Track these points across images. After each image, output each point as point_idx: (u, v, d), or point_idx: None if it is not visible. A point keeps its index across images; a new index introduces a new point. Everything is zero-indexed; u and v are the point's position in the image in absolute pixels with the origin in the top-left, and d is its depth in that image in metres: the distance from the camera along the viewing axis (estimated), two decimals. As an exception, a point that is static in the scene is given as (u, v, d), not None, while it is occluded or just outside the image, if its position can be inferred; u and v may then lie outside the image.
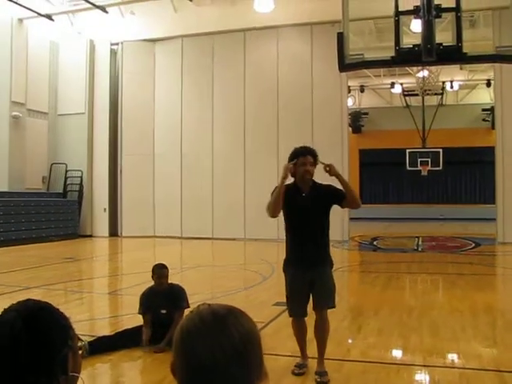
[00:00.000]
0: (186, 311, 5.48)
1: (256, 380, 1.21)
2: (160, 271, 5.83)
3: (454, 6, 5.32)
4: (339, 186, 4.86)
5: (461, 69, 23.78)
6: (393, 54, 5.40)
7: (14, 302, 1.38)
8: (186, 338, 1.21)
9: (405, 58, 5.51)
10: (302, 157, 4.86)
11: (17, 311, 1.34)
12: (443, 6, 5.32)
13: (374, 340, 6.00)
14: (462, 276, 10.98)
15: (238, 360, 1.18)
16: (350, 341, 6.13)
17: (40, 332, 1.31)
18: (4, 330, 1.30)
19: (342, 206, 4.99)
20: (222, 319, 1.22)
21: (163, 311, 5.70)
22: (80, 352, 5.03)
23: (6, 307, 1.36)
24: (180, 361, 1.21)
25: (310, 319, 4.96)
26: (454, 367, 5.16)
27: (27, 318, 1.32)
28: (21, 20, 18.37)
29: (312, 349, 4.99)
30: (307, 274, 4.80)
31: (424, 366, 5.10)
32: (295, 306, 4.93)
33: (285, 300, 5.06)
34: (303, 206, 4.82)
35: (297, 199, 4.84)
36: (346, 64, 5.61)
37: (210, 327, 1.20)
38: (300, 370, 4.89)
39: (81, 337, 5.30)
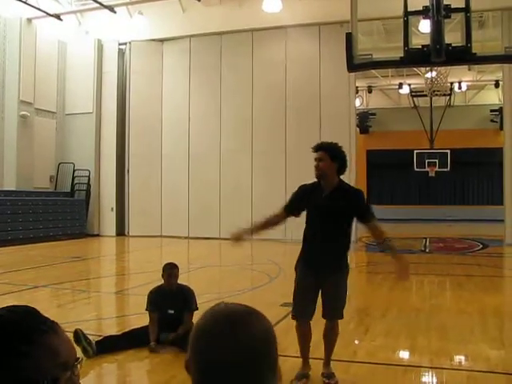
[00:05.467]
0: (196, 313, 5.50)
1: (270, 380, 1.20)
2: (170, 270, 5.82)
3: (463, 6, 5.30)
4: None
5: (469, 69, 23.67)
6: (401, 54, 5.38)
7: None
8: (201, 336, 1.20)
9: (414, 59, 5.48)
10: (315, 153, 4.68)
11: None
12: (453, 7, 5.30)
13: (382, 341, 5.98)
14: (469, 277, 10.91)
15: (252, 359, 1.17)
16: (357, 342, 6.10)
17: None
18: None
19: (364, 225, 4.86)
20: (237, 319, 1.21)
21: (171, 311, 5.70)
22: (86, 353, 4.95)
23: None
24: (194, 358, 1.20)
25: (318, 323, 4.90)
26: (461, 369, 5.12)
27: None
28: (29, 20, 18.43)
29: (318, 350, 4.93)
30: (319, 278, 4.57)
31: (431, 367, 5.08)
32: (300, 306, 4.65)
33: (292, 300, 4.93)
34: (321, 206, 4.60)
35: (316, 198, 4.63)
36: (355, 64, 5.59)
37: (225, 326, 1.19)
38: (299, 381, 4.63)
39: (88, 336, 5.32)
